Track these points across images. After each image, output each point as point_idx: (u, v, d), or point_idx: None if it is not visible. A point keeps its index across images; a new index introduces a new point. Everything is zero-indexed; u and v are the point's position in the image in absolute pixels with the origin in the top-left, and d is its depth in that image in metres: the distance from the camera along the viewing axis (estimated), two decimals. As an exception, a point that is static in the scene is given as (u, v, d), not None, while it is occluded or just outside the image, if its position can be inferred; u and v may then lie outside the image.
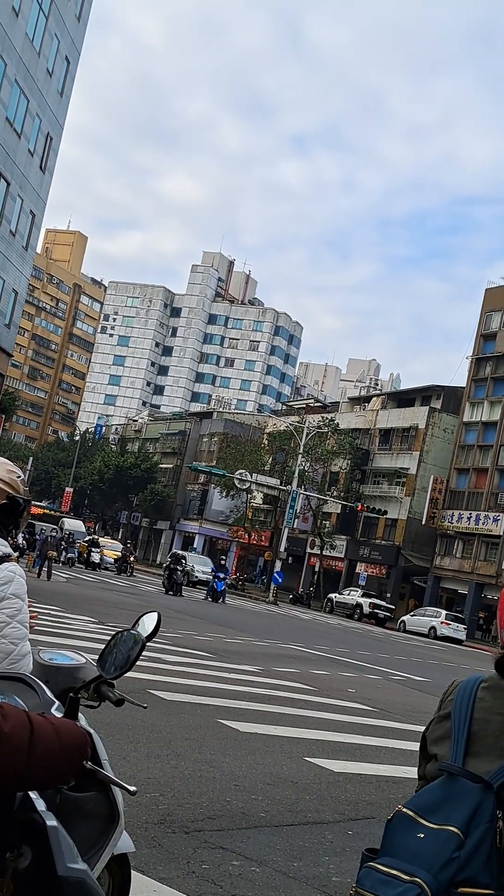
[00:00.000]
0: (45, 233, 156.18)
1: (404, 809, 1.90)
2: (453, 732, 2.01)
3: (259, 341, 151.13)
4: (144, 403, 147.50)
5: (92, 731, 2.60)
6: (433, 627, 46.54)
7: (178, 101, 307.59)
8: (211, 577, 39.70)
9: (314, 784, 7.34)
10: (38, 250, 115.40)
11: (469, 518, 57.87)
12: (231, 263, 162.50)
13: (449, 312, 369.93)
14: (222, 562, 41.35)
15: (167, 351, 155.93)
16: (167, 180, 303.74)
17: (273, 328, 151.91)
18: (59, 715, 2.43)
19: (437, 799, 1.88)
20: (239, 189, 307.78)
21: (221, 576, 38.06)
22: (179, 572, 36.41)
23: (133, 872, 3.34)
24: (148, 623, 2.88)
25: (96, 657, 2.73)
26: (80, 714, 2.61)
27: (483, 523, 56.74)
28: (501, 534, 55.06)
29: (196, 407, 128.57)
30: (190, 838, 5.18)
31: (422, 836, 1.84)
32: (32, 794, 2.14)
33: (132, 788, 2.39)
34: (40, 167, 36.12)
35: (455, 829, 1.80)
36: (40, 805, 2.14)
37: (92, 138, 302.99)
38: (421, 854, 1.81)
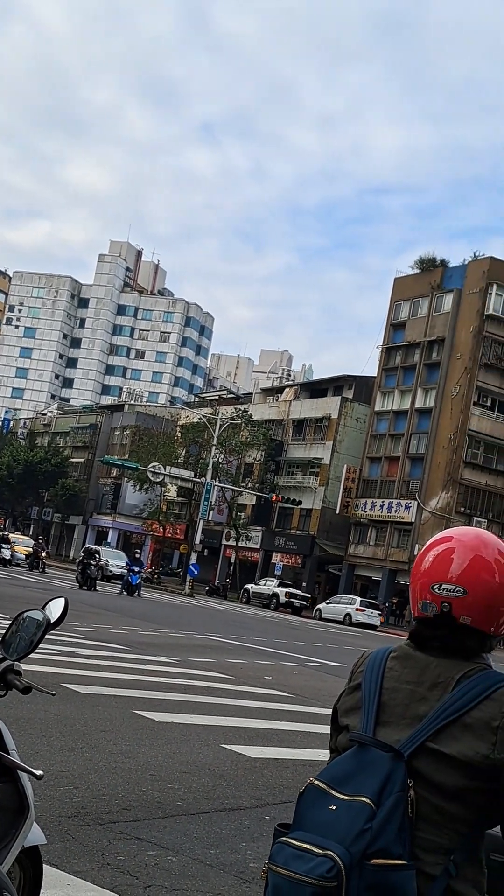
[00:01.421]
0: None
1: (316, 782, 1.88)
2: (364, 702, 1.99)
3: (170, 332, 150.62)
4: (53, 397, 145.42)
5: (-1, 721, 2.53)
6: (348, 614, 47.18)
7: (84, 88, 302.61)
8: (125, 570, 39.42)
9: (231, 771, 7.33)
10: None
11: (382, 506, 58.78)
12: (139, 253, 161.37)
13: (360, 302, 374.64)
14: (137, 555, 41.08)
15: (75, 343, 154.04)
16: (74, 169, 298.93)
17: (184, 319, 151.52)
18: None
19: (348, 770, 1.87)
20: (148, 178, 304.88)
21: (136, 569, 37.82)
22: (93, 567, 36.01)
23: (46, 866, 3.26)
24: (55, 608, 2.82)
25: None
26: None
27: (395, 511, 57.70)
28: (413, 521, 56.11)
29: (107, 400, 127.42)
30: (105, 830, 5.10)
31: (334, 808, 1.81)
32: None
33: (38, 773, 2.33)
34: None
35: (367, 800, 1.79)
36: None
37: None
38: (333, 826, 1.79)
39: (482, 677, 1.91)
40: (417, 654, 2.01)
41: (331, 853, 1.73)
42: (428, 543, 2.09)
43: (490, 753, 1.82)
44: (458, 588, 1.96)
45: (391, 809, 1.78)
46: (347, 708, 2.06)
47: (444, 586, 1.97)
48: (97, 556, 38.35)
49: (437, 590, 1.98)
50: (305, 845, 1.78)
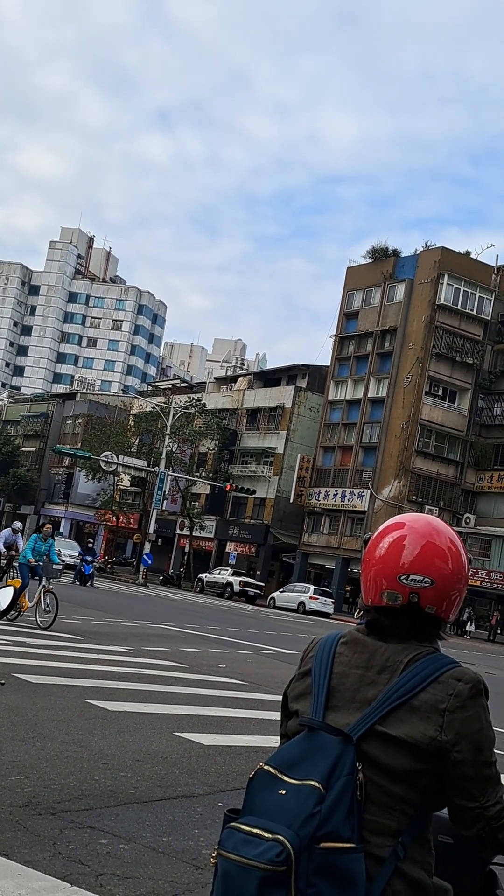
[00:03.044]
0: None
1: (265, 767, 1.88)
2: (314, 687, 2.00)
3: (122, 320, 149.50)
4: (4, 385, 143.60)
5: None
6: (302, 602, 47.46)
7: (37, 74, 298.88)
8: (78, 560, 39.18)
9: (184, 758, 7.33)
10: None
11: (335, 495, 59.07)
12: (91, 240, 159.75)
13: (315, 292, 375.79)
14: (90, 545, 40.86)
15: (26, 330, 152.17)
16: (26, 155, 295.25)
17: (136, 307, 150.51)
18: None
19: (297, 754, 1.87)
20: (101, 164, 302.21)
21: (89, 559, 37.61)
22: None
23: (-5, 857, 3.24)
24: (3, 598, 2.78)
25: None
26: None
27: (348, 500, 58.05)
28: (366, 509, 56.48)
29: (58, 388, 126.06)
30: (56, 819, 5.07)
31: (283, 792, 1.82)
32: None
33: None
34: None
35: (316, 784, 1.80)
36: None
37: None
38: (282, 811, 1.79)
39: (430, 660, 1.92)
40: (367, 639, 2.02)
41: (280, 837, 1.74)
42: (380, 530, 2.09)
43: (437, 735, 1.84)
44: (426, 579, 1.96)
45: (340, 793, 1.79)
46: (297, 693, 2.07)
47: (412, 577, 1.97)
48: (50, 546, 38.02)
49: (404, 580, 1.98)
50: (254, 830, 1.78)
